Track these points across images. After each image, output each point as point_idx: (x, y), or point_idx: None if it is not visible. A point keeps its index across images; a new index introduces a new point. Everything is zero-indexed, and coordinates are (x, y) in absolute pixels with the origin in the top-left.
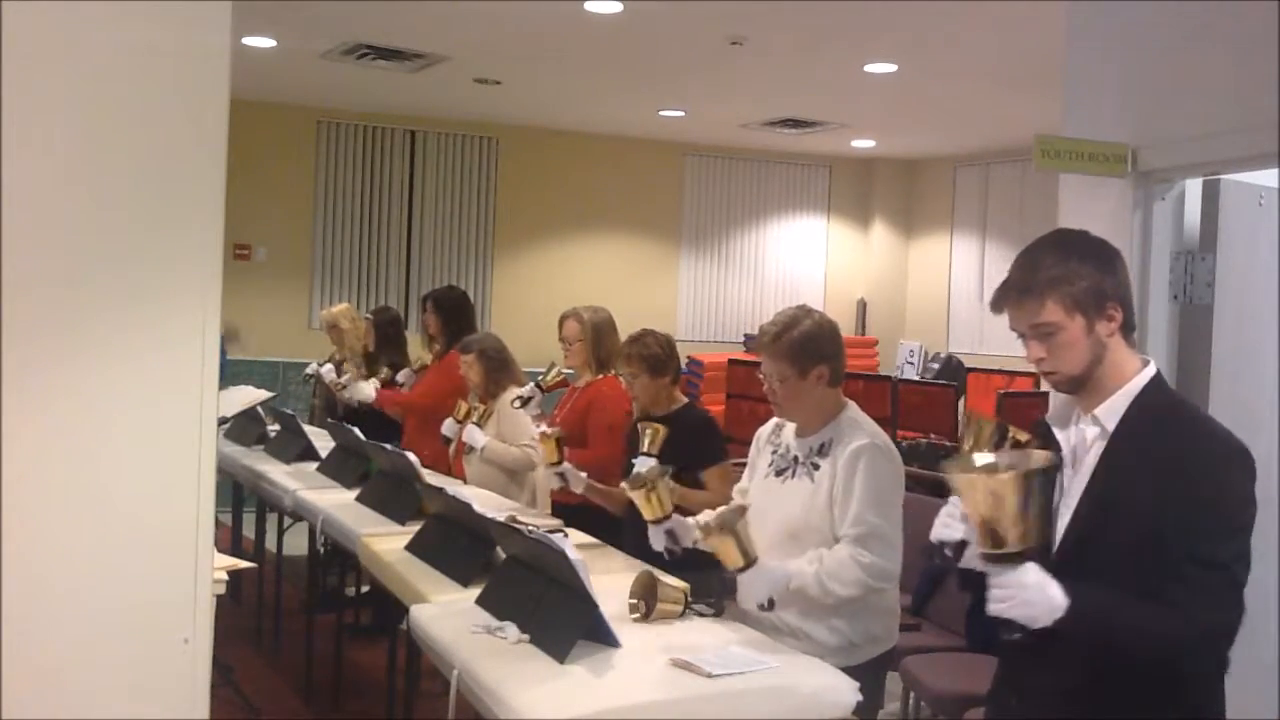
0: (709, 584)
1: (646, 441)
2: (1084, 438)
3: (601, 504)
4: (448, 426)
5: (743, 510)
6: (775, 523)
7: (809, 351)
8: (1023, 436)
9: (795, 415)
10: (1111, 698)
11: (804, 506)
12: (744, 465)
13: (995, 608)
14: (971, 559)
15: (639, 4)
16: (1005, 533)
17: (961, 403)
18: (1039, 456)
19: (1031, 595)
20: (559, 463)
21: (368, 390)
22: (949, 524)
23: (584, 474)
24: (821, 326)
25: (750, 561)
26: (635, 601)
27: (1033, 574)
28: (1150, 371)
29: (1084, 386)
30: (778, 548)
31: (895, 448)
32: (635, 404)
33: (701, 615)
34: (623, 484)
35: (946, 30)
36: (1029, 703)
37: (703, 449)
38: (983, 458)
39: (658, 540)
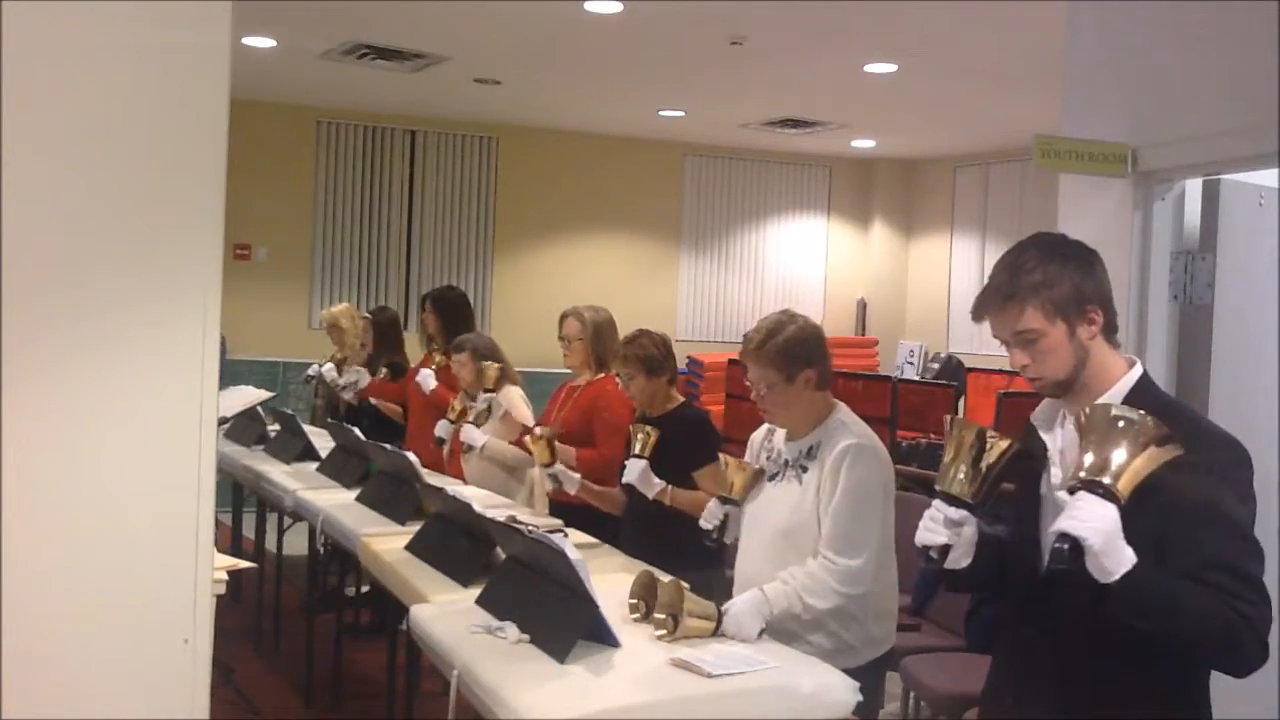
0: (709, 585)
1: (638, 445)
2: (1073, 441)
3: (596, 504)
4: (441, 427)
5: (677, 583)
6: (768, 527)
7: (795, 356)
8: (1003, 443)
9: (784, 420)
10: (1104, 698)
11: (793, 509)
12: None
13: (1065, 524)
14: (958, 559)
15: (639, 4)
16: (1111, 468)
17: (961, 408)
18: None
19: (1111, 529)
20: (550, 464)
21: (431, 381)
22: (932, 528)
23: (577, 475)
24: (806, 330)
25: (719, 619)
26: (635, 601)
27: (1116, 514)
28: (1137, 372)
29: (1070, 390)
30: (771, 551)
31: (883, 447)
32: (635, 404)
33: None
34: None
35: (946, 30)
36: (1023, 703)
37: (696, 449)
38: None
39: (712, 518)
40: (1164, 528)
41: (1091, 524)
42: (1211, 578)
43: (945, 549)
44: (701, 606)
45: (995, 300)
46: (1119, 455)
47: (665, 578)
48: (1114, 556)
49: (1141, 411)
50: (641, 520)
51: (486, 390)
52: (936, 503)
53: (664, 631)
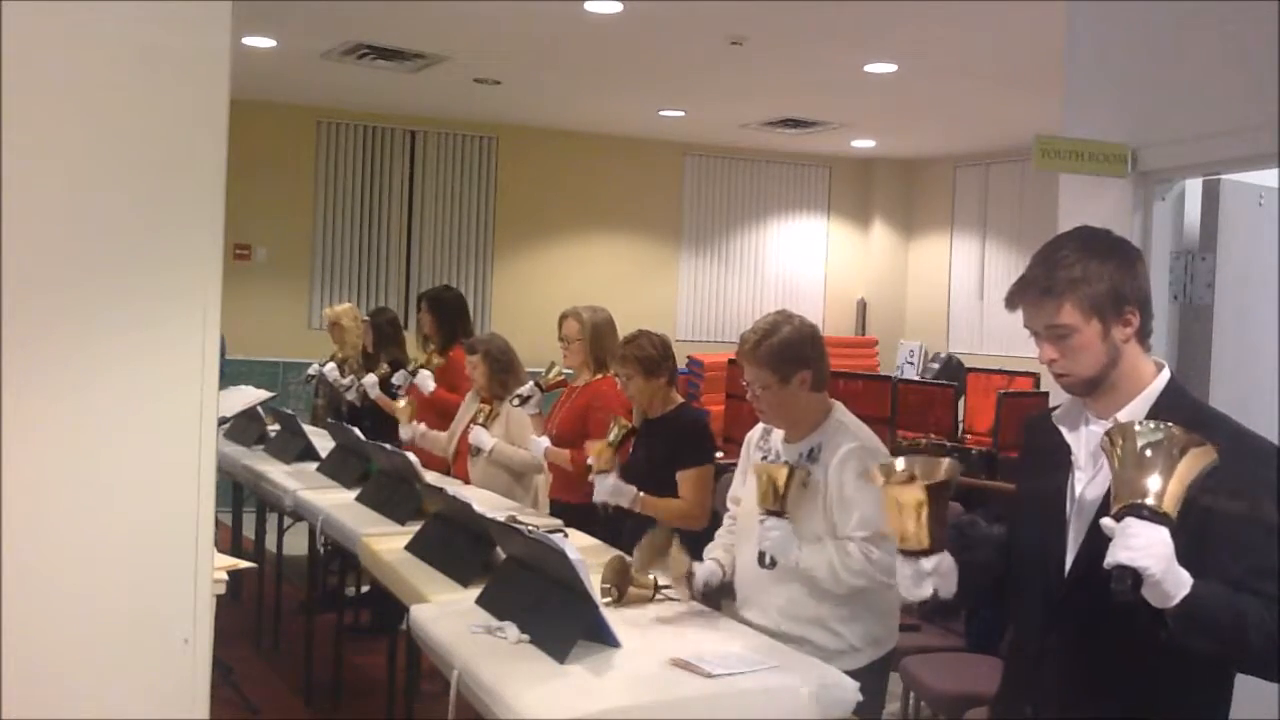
0: (709, 599)
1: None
2: (1098, 445)
3: (655, 515)
4: (405, 431)
5: (669, 534)
6: None
7: (790, 357)
8: (920, 493)
9: (780, 422)
10: (1120, 700)
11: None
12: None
13: (1122, 556)
14: (948, 591)
15: (639, 4)
16: (1153, 489)
17: (961, 407)
18: None
19: (1168, 553)
20: (608, 472)
21: (429, 383)
22: (920, 583)
23: (633, 488)
24: (801, 332)
25: (687, 574)
26: (608, 586)
27: (1168, 538)
28: (1165, 377)
29: (1097, 389)
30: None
31: (884, 447)
32: (634, 405)
33: (671, 600)
34: (633, 570)
35: (946, 30)
36: (1036, 705)
37: (688, 450)
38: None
39: (685, 592)
40: (1207, 533)
41: (1148, 551)
42: (1260, 586)
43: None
44: (642, 578)
45: (1032, 292)
46: (1157, 473)
47: (612, 553)
48: (1173, 581)
49: (1167, 424)
50: (643, 520)
51: (537, 384)
52: (900, 561)
53: (609, 600)
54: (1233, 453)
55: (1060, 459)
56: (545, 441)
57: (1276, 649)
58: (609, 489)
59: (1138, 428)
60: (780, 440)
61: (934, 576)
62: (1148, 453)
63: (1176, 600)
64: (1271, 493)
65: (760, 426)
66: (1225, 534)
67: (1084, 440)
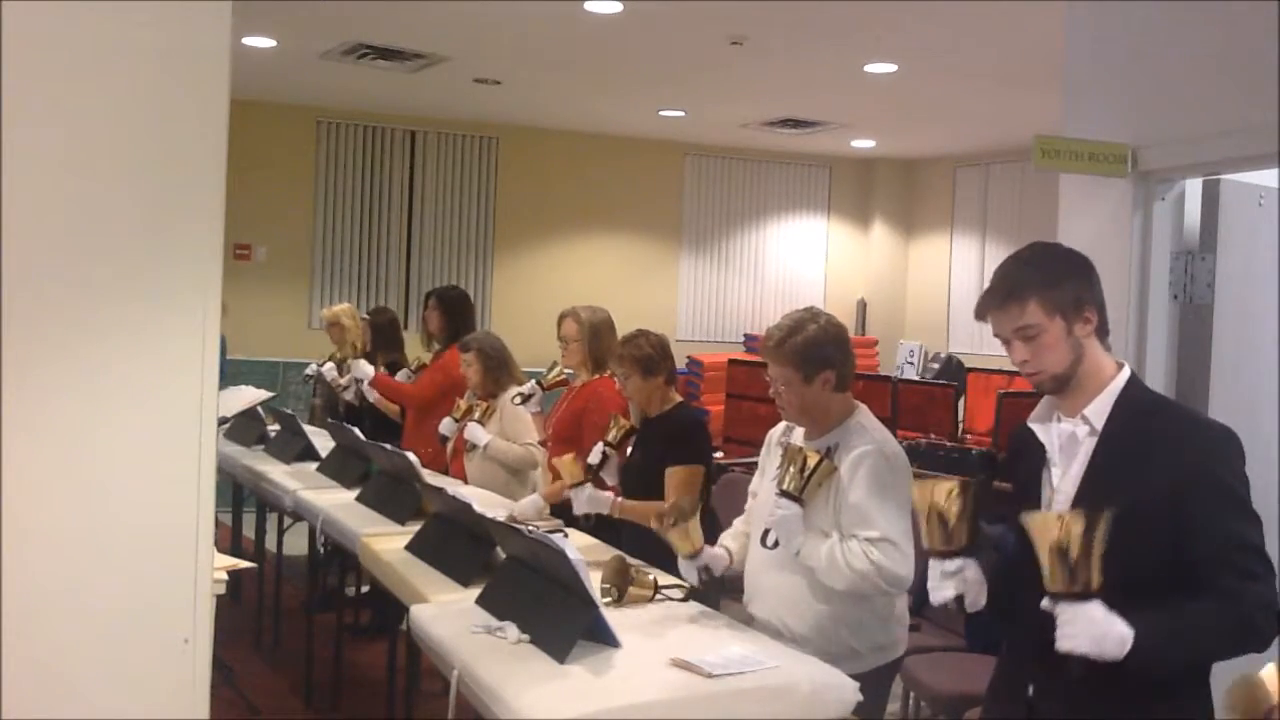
0: (707, 586)
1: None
2: (1074, 437)
3: (634, 520)
4: (446, 425)
5: (695, 503)
6: None
7: (814, 356)
8: (956, 495)
9: (801, 420)
10: (1107, 698)
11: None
12: (742, 465)
13: (1065, 645)
14: (975, 601)
15: (639, 4)
16: (1078, 576)
17: (961, 407)
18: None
19: (1101, 629)
20: (583, 483)
21: (367, 368)
22: (940, 586)
23: (609, 495)
24: (828, 331)
25: (697, 550)
26: (608, 586)
27: (1099, 609)
28: (1126, 374)
29: (1067, 386)
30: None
31: (901, 450)
32: (632, 405)
33: (671, 600)
34: (652, 524)
35: (946, 30)
36: (1027, 703)
37: (682, 449)
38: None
39: (691, 573)
40: (1175, 505)
41: (1082, 633)
42: (1235, 559)
43: (960, 600)
44: (642, 578)
45: (997, 298)
46: (1077, 559)
47: (635, 561)
48: (1114, 644)
49: (1082, 511)
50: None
51: (538, 383)
52: (932, 561)
53: (609, 600)
54: (1193, 438)
55: (1037, 456)
56: (539, 500)
57: (1240, 633)
58: (586, 500)
59: (1052, 523)
60: (801, 437)
61: (956, 579)
62: (1070, 545)
63: (1122, 656)
64: (1229, 470)
65: (783, 424)
66: (1195, 515)
67: (1055, 435)
